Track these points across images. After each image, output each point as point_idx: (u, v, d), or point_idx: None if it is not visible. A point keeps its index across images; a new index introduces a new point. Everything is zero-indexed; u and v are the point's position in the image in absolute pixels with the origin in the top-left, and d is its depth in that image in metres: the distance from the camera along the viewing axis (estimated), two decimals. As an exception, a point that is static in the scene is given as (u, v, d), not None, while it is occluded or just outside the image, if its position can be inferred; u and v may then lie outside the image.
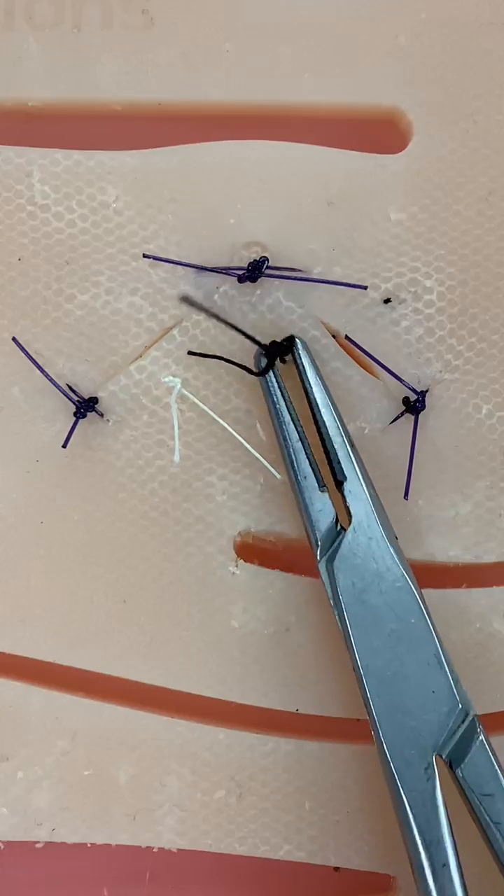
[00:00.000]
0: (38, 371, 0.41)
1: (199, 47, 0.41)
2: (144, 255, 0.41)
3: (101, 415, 0.41)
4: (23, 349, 0.40)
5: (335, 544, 0.38)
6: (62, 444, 0.41)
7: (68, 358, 0.41)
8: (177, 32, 0.41)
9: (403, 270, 0.41)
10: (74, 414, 0.40)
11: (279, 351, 0.39)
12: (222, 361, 0.40)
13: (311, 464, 0.38)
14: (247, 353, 0.40)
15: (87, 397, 0.41)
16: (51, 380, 0.40)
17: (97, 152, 0.41)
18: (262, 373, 0.39)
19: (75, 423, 0.40)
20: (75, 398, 0.40)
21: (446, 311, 0.41)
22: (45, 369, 0.41)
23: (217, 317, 0.37)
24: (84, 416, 0.40)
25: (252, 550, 0.42)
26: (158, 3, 0.41)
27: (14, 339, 0.41)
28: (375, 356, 0.41)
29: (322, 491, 0.38)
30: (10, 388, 0.41)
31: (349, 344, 0.41)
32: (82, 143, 0.41)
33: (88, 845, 0.41)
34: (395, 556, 0.38)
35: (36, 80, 0.41)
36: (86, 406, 0.40)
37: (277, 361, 0.39)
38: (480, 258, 0.41)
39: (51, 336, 0.41)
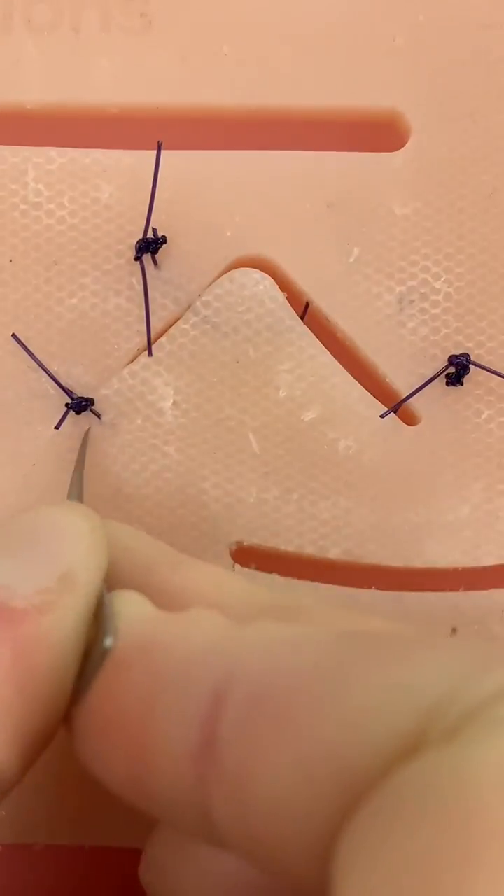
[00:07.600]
0: (33, 374, 0.41)
1: (197, 50, 0.41)
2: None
3: (99, 416, 0.41)
4: (24, 347, 0.40)
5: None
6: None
7: (62, 362, 0.41)
8: (175, 35, 0.41)
9: (416, 271, 0.41)
10: (66, 405, 0.40)
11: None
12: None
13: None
14: (237, 362, 0.40)
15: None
16: (51, 376, 0.40)
17: (93, 150, 0.41)
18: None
19: (66, 413, 0.40)
20: (71, 396, 0.40)
21: (452, 311, 0.41)
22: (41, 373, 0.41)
23: None
24: (77, 410, 0.40)
25: (249, 554, 0.41)
26: (156, 6, 0.41)
27: (14, 335, 0.40)
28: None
29: None
30: (4, 392, 0.41)
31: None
32: (79, 145, 0.41)
33: (88, 847, 0.41)
34: None
35: (34, 83, 0.41)
36: (80, 404, 0.40)
37: None
38: (488, 257, 0.41)
39: (45, 340, 0.41)
